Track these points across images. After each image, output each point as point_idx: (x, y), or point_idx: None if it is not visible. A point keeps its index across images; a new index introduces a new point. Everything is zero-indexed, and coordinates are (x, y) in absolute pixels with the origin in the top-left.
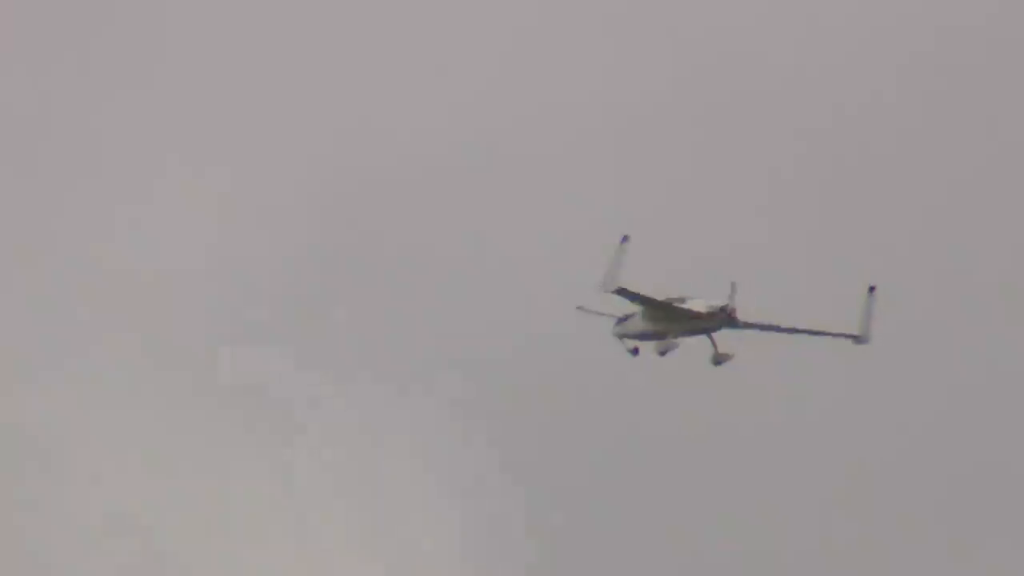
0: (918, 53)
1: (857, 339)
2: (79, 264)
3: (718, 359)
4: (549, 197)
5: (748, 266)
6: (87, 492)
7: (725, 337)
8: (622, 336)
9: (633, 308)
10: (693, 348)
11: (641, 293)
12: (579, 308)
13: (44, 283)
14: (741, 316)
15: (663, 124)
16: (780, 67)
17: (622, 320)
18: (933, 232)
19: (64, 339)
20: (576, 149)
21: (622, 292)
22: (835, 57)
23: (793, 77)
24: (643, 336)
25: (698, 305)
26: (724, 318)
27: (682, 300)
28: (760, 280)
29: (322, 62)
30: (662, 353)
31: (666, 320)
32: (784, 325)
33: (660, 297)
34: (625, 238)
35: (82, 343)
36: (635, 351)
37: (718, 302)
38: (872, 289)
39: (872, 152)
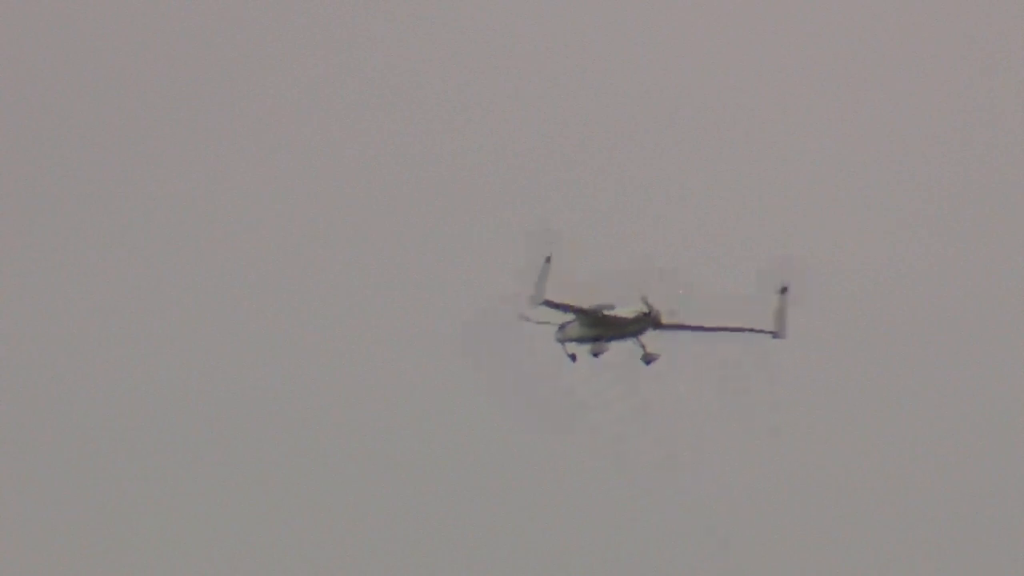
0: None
1: (774, 335)
2: None
3: (647, 358)
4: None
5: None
6: None
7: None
8: (563, 341)
9: (571, 317)
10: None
11: (566, 303)
12: (521, 317)
13: None
14: (665, 319)
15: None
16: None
17: (563, 327)
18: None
19: None
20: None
21: (549, 304)
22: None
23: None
24: (581, 340)
25: (625, 312)
26: (649, 322)
27: (611, 307)
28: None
29: None
30: (595, 354)
31: (599, 326)
32: (705, 324)
33: (588, 306)
34: (548, 258)
35: None
36: (573, 357)
37: (643, 308)
38: (784, 289)
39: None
